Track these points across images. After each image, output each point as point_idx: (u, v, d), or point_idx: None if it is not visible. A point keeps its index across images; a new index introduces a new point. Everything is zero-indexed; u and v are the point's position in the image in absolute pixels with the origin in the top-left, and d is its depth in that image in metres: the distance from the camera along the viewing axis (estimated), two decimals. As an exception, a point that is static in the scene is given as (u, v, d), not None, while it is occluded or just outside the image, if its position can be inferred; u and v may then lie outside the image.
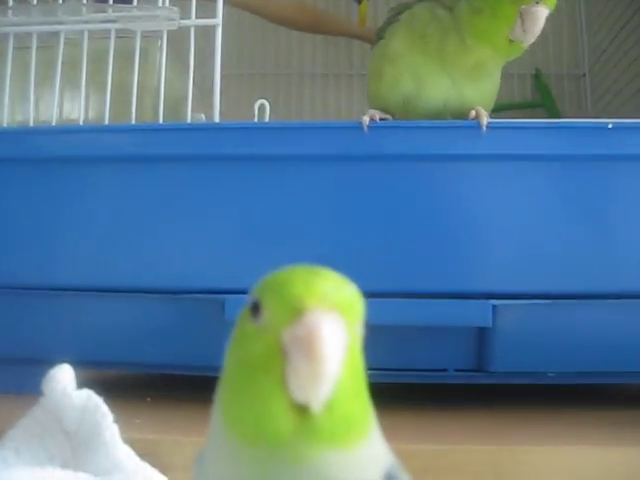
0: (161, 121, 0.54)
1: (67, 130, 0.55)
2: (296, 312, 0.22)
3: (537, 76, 0.99)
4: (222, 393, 0.24)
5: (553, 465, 0.40)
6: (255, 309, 0.23)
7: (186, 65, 0.54)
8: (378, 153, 0.51)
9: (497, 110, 0.59)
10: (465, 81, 0.53)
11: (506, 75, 0.67)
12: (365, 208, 0.52)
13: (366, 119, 0.51)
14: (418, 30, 0.53)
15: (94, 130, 0.55)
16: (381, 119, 0.51)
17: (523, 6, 0.49)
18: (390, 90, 0.55)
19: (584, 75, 0.98)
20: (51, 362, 0.44)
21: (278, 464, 0.22)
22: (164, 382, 0.62)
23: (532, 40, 0.50)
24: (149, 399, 0.56)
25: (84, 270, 0.54)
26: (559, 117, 0.94)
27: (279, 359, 0.22)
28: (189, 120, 0.55)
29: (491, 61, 0.53)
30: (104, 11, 0.55)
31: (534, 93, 1.00)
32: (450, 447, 0.40)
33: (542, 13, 0.49)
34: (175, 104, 0.56)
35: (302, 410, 0.22)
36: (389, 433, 0.36)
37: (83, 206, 0.53)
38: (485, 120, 0.50)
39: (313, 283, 0.23)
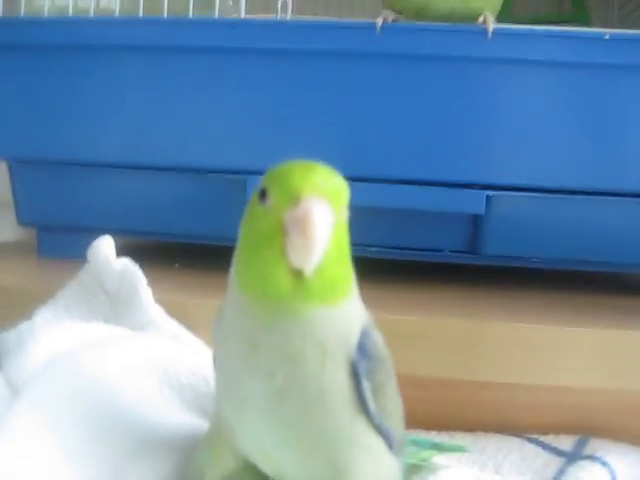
0: (191, 14, 0.59)
1: (103, 21, 0.60)
2: (294, 199, 0.28)
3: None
4: (236, 260, 0.31)
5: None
6: (263, 195, 0.29)
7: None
8: (388, 52, 0.55)
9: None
10: None
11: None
12: (374, 102, 0.57)
13: (379, 20, 0.54)
14: None
15: (128, 21, 0.59)
16: (393, 21, 0.55)
17: None
18: None
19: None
20: (93, 230, 0.50)
21: (279, 316, 0.29)
22: (191, 251, 0.68)
23: None
24: (177, 265, 0.63)
25: (121, 149, 0.60)
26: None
27: (280, 235, 0.28)
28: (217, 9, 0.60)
29: None
30: None
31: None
32: (430, 319, 0.47)
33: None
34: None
35: (298, 274, 0.28)
36: (382, 303, 0.44)
37: (121, 90, 0.59)
38: (491, 26, 0.54)
39: (308, 175, 0.28)
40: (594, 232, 0.58)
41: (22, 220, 0.64)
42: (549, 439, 0.49)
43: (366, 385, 0.31)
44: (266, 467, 0.34)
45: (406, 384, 0.36)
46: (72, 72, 0.59)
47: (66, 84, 0.59)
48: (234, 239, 0.58)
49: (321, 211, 0.28)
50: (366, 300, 0.32)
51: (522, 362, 0.46)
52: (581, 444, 0.48)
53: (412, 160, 0.57)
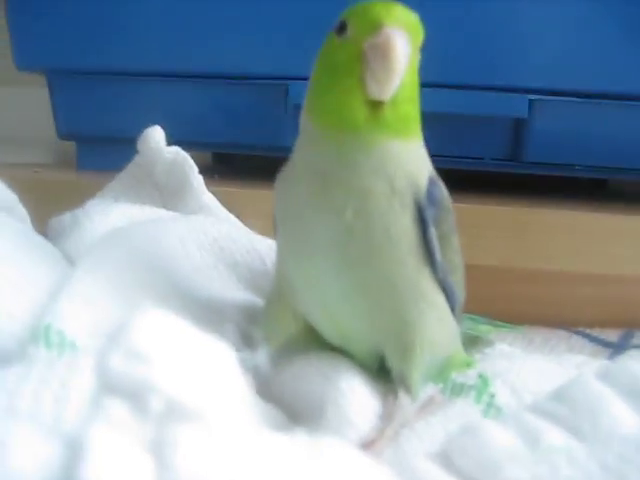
0: None
1: None
2: (376, 27, 0.28)
3: None
4: (310, 93, 0.32)
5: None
6: (342, 28, 0.30)
7: None
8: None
9: None
10: None
11: None
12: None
13: None
14: None
15: None
16: None
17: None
18: None
19: None
20: (132, 142, 0.51)
21: (352, 147, 0.29)
22: (231, 161, 0.68)
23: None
24: (216, 176, 0.63)
25: (161, 57, 0.59)
26: None
27: (358, 63, 0.29)
28: None
29: None
30: None
31: None
32: (482, 206, 0.47)
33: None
34: None
35: (374, 105, 0.28)
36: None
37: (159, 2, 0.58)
38: None
39: (389, 8, 0.29)
40: (635, 139, 0.57)
41: (61, 133, 0.64)
42: (595, 332, 0.49)
43: (433, 232, 0.31)
44: (328, 329, 0.34)
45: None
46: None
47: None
48: (279, 148, 0.58)
49: (401, 39, 0.28)
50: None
51: (571, 249, 0.46)
52: (627, 336, 0.49)
53: (454, 64, 0.57)
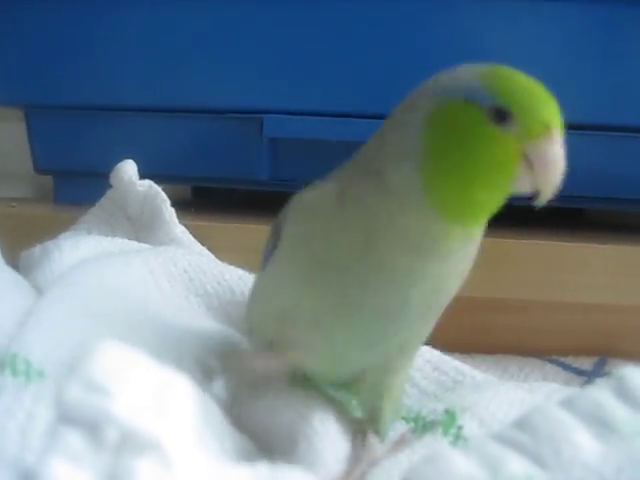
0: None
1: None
2: (546, 130, 0.26)
3: None
4: (427, 172, 0.28)
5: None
6: (502, 116, 0.26)
7: None
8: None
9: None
10: None
11: None
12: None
13: None
14: None
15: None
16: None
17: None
18: None
19: None
20: (109, 176, 0.51)
21: (460, 236, 0.28)
22: (211, 197, 0.68)
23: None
24: (193, 210, 0.63)
25: (137, 92, 0.60)
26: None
27: (515, 162, 0.27)
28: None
29: None
30: None
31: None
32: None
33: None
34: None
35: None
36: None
37: (135, 34, 0.59)
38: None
39: (553, 104, 0.27)
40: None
41: (39, 168, 0.64)
42: (569, 360, 0.49)
43: None
44: (318, 366, 0.33)
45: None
46: (87, 15, 0.59)
47: (81, 28, 0.60)
48: (253, 181, 0.58)
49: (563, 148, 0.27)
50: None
51: (540, 279, 0.47)
52: (600, 364, 0.49)
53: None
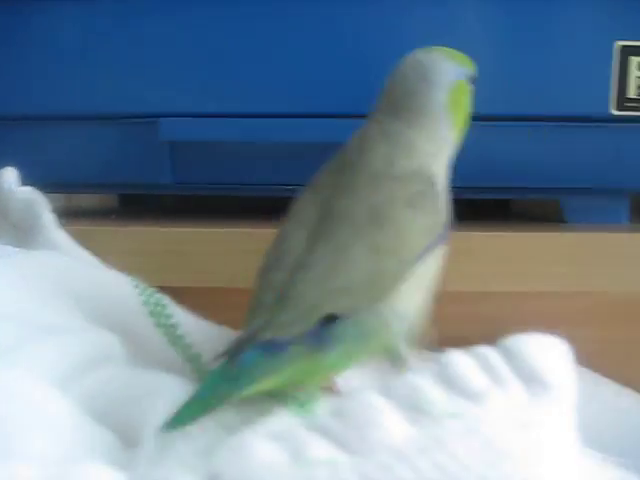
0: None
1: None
2: None
3: None
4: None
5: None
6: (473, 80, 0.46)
7: None
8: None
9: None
10: None
11: None
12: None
13: None
14: None
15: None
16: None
17: None
18: None
19: None
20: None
21: None
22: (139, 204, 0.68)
23: None
24: (114, 216, 0.64)
25: (31, 100, 0.60)
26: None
27: None
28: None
29: None
30: None
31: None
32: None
33: None
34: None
35: None
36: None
37: (29, 40, 0.59)
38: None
39: None
40: (499, 158, 0.59)
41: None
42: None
43: None
44: None
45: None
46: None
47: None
48: (158, 186, 0.58)
49: None
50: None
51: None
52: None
53: (335, 93, 0.58)
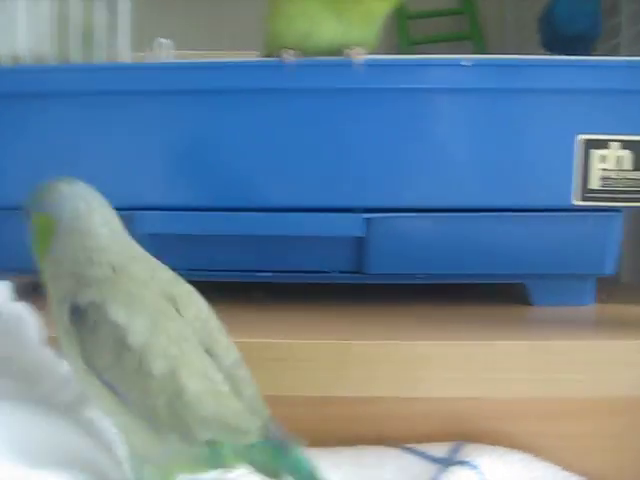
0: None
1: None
2: None
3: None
4: None
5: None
6: None
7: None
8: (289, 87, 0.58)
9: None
10: (354, 25, 0.58)
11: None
12: (257, 136, 0.60)
13: (287, 57, 0.57)
14: None
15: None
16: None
17: None
18: (286, 29, 0.60)
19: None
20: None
21: None
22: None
23: None
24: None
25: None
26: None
27: None
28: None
29: (379, 10, 0.59)
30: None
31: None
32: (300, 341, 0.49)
33: None
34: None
35: None
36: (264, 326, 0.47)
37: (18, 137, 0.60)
38: (359, 58, 0.57)
39: None
40: (468, 247, 0.61)
41: None
42: (425, 447, 0.52)
43: None
44: None
45: (285, 404, 0.41)
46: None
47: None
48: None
49: None
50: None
51: (391, 377, 0.49)
52: (455, 450, 0.51)
53: (294, 187, 0.60)
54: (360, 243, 0.61)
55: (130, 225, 0.58)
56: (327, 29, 0.58)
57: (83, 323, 0.37)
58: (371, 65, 0.58)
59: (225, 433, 0.36)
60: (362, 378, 0.49)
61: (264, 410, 0.38)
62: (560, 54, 0.79)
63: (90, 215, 0.40)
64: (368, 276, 0.62)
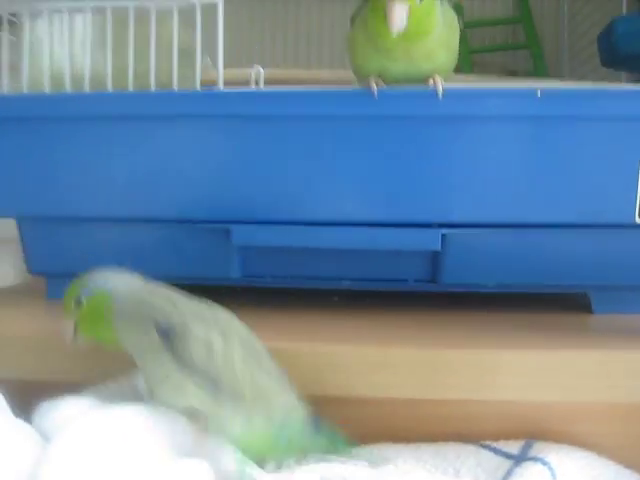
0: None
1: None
2: None
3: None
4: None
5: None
6: None
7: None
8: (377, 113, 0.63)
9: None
10: (421, 60, 0.63)
11: None
12: (349, 158, 0.65)
13: (374, 86, 0.62)
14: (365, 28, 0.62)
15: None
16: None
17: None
18: (363, 67, 0.65)
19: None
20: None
21: None
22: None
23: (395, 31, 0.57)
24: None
25: (114, 205, 0.68)
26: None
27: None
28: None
29: (423, 43, 0.62)
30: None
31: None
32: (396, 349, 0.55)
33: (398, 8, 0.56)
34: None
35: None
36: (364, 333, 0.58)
37: (108, 156, 0.67)
38: (440, 87, 0.62)
39: None
40: (537, 259, 0.66)
41: (32, 270, 0.72)
42: (500, 444, 0.57)
43: None
44: None
45: (378, 403, 0.51)
46: (65, 140, 0.67)
47: (60, 152, 0.67)
48: (224, 279, 0.65)
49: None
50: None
51: (475, 382, 0.55)
52: (526, 447, 0.57)
53: (378, 205, 0.65)
54: (435, 255, 0.66)
55: (225, 238, 0.65)
56: (398, 66, 0.63)
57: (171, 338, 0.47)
58: (451, 95, 0.62)
59: (290, 414, 0.47)
60: (447, 383, 0.55)
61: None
62: (619, 71, 0.83)
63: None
64: (441, 285, 0.68)
